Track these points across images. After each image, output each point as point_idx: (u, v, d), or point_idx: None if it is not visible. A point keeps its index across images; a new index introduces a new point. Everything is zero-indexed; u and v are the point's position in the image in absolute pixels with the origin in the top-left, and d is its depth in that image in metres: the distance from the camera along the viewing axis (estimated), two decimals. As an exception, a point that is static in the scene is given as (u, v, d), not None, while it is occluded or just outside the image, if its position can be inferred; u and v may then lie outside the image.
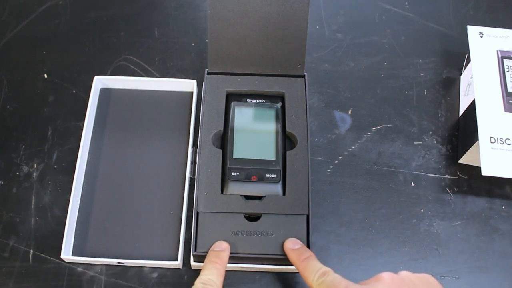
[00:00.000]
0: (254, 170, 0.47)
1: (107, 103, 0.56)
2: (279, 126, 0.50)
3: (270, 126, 0.50)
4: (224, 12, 0.49)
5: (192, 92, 0.56)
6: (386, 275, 0.37)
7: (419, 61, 0.60)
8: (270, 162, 0.48)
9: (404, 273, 0.38)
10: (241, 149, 0.48)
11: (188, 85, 0.55)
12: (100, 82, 0.56)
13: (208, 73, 0.52)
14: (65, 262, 0.47)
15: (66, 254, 0.46)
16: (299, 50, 0.51)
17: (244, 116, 0.50)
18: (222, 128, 0.49)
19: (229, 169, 0.47)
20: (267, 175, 0.47)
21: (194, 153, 0.52)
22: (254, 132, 0.50)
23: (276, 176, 0.47)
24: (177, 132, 0.54)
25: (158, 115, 0.55)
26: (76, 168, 0.50)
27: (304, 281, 0.41)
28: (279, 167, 0.47)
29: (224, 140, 0.49)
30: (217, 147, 0.48)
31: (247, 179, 0.47)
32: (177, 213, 0.49)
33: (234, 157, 0.48)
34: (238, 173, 0.47)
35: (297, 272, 0.47)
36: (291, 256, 0.43)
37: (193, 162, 0.51)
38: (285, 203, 0.46)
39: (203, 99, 0.51)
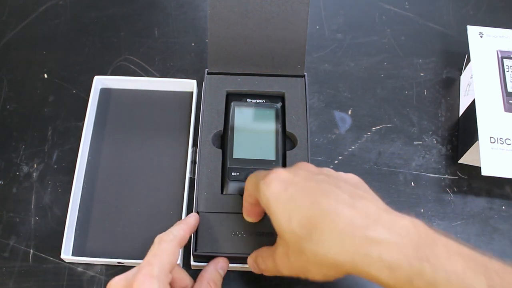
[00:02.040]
0: (254, 170, 0.47)
1: (107, 103, 0.56)
2: (279, 126, 0.50)
3: (270, 126, 0.50)
4: (224, 12, 0.49)
5: (192, 92, 0.56)
6: (302, 168, 0.38)
7: (419, 61, 0.60)
8: (270, 162, 0.48)
9: (325, 170, 0.38)
10: (241, 149, 0.48)
11: (188, 85, 0.55)
12: (100, 82, 0.56)
13: (208, 73, 0.52)
14: (65, 262, 0.47)
15: (66, 254, 0.46)
16: (299, 50, 0.51)
17: (244, 116, 0.50)
18: (222, 128, 0.49)
19: (229, 169, 0.47)
20: None
21: (194, 153, 0.52)
22: (254, 132, 0.50)
23: None
24: (177, 132, 0.54)
25: (158, 115, 0.55)
26: (76, 168, 0.49)
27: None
28: (279, 167, 0.47)
29: (224, 140, 0.49)
30: (217, 147, 0.48)
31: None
32: (177, 213, 0.49)
33: (234, 157, 0.48)
34: (238, 173, 0.47)
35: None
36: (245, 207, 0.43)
37: (193, 162, 0.51)
38: None
39: (203, 99, 0.51)
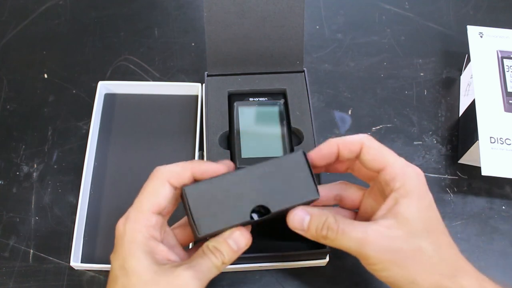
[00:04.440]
0: None
1: (112, 108, 0.55)
2: (284, 122, 0.50)
3: (275, 123, 0.50)
4: (221, 14, 0.49)
5: (197, 96, 0.55)
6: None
7: (419, 61, 0.60)
8: None
9: None
10: (249, 149, 0.48)
11: (193, 88, 0.55)
12: (104, 87, 0.55)
13: (208, 75, 0.52)
14: (65, 262, 0.47)
15: (76, 261, 0.46)
16: (297, 46, 0.51)
17: (248, 116, 0.50)
18: (227, 129, 0.49)
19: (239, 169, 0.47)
20: None
21: (201, 156, 0.51)
22: (260, 131, 0.50)
23: None
24: (183, 136, 0.53)
25: (164, 119, 0.54)
26: (83, 174, 0.49)
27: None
28: None
29: (231, 141, 0.49)
30: (224, 148, 0.48)
31: None
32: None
33: (242, 156, 0.47)
34: None
35: (297, 268, 0.47)
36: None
37: None
38: None
39: (205, 102, 0.51)
